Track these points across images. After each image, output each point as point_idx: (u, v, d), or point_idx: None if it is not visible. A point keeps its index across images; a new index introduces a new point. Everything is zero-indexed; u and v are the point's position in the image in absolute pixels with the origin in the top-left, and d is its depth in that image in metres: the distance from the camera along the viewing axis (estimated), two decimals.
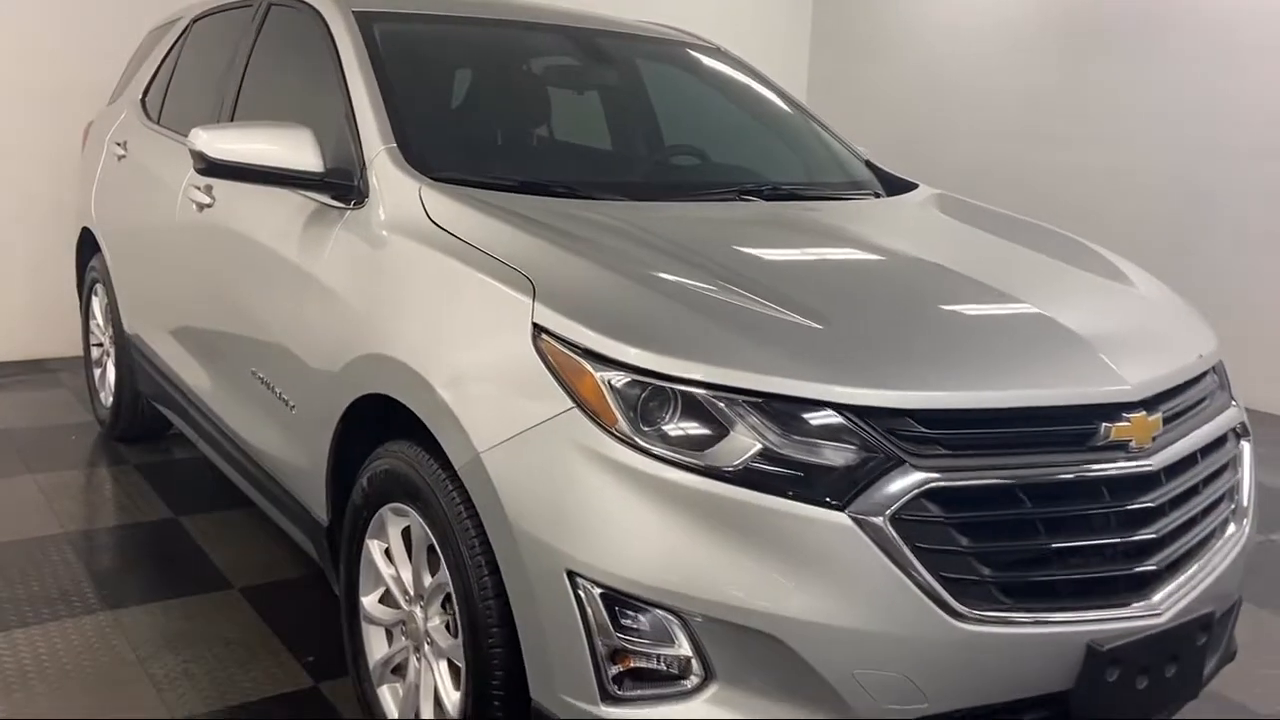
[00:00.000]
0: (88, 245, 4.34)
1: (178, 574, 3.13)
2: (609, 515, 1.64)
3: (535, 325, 1.79)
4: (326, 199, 2.48)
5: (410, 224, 2.20)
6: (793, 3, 8.02)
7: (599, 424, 1.67)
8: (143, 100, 4.05)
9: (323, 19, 2.82)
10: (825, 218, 2.53)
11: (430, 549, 1.98)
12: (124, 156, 3.86)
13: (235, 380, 2.88)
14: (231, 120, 3.16)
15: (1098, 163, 6.09)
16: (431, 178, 2.30)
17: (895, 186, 2.98)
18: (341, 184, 2.43)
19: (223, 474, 3.19)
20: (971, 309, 2.00)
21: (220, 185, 2.98)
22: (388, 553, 2.15)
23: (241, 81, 3.17)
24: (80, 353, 5.38)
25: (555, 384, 1.73)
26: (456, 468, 1.84)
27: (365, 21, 2.76)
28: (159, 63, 4.00)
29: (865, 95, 7.50)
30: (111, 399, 4.17)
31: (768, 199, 2.58)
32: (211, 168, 2.41)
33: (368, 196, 2.36)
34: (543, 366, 1.75)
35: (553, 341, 1.76)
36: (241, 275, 2.79)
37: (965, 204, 2.86)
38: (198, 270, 3.10)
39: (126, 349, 3.93)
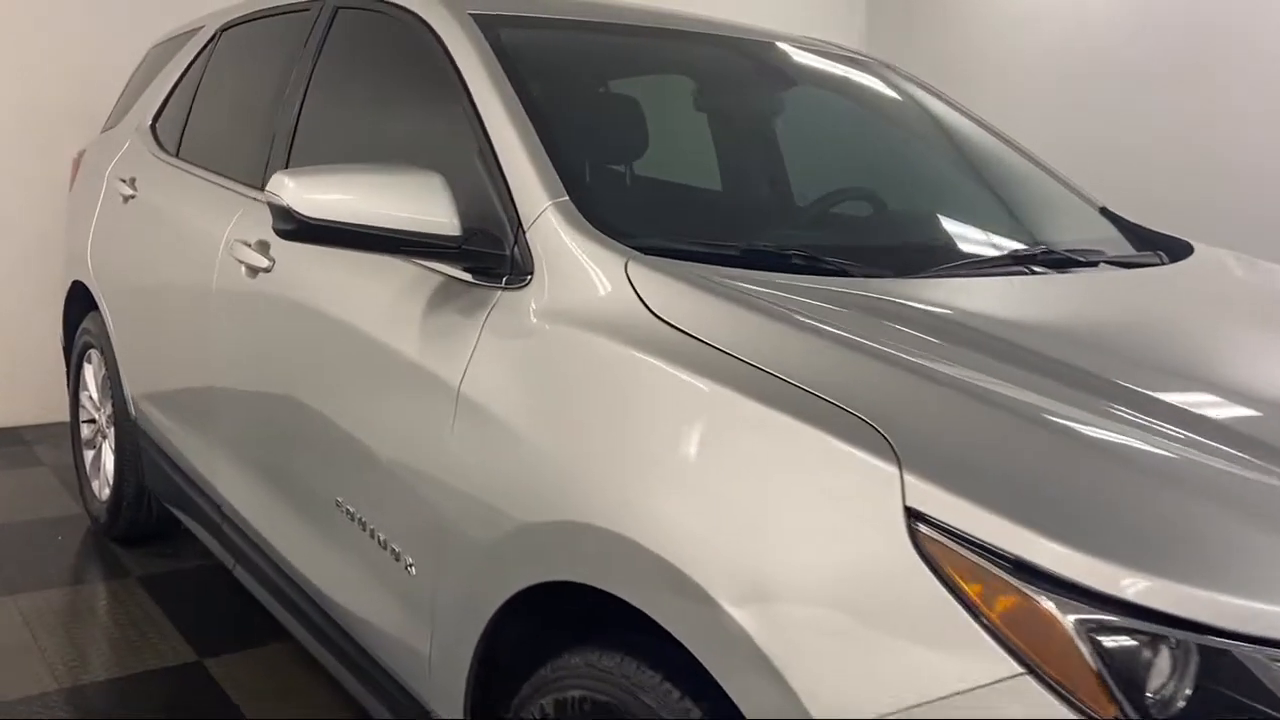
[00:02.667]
0: (80, 301, 3.57)
1: None
2: None
3: (912, 512, 1.08)
4: (460, 272, 1.76)
5: (616, 318, 1.48)
6: None
7: (1079, 708, 0.97)
8: (154, 127, 3.30)
9: (425, 24, 2.11)
10: (1154, 300, 1.84)
11: None
12: (132, 197, 3.10)
13: (305, 507, 2.14)
14: (289, 158, 2.43)
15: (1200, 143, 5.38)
16: (630, 246, 1.60)
17: (1153, 243, 2.31)
18: (486, 253, 1.71)
19: (242, 581, 2.44)
20: None
21: (283, 245, 2.25)
22: None
23: (301, 108, 2.44)
24: (62, 419, 4.62)
25: (970, 621, 1.02)
26: None
27: (489, 27, 2.05)
28: (175, 82, 3.26)
29: (931, 70, 6.77)
30: (109, 492, 3.39)
31: (1052, 269, 1.89)
32: (304, 230, 1.69)
33: (531, 272, 1.65)
34: (938, 586, 1.04)
35: (953, 545, 1.05)
36: (321, 369, 2.05)
37: None
38: (247, 352, 2.36)
39: (131, 433, 3.16)
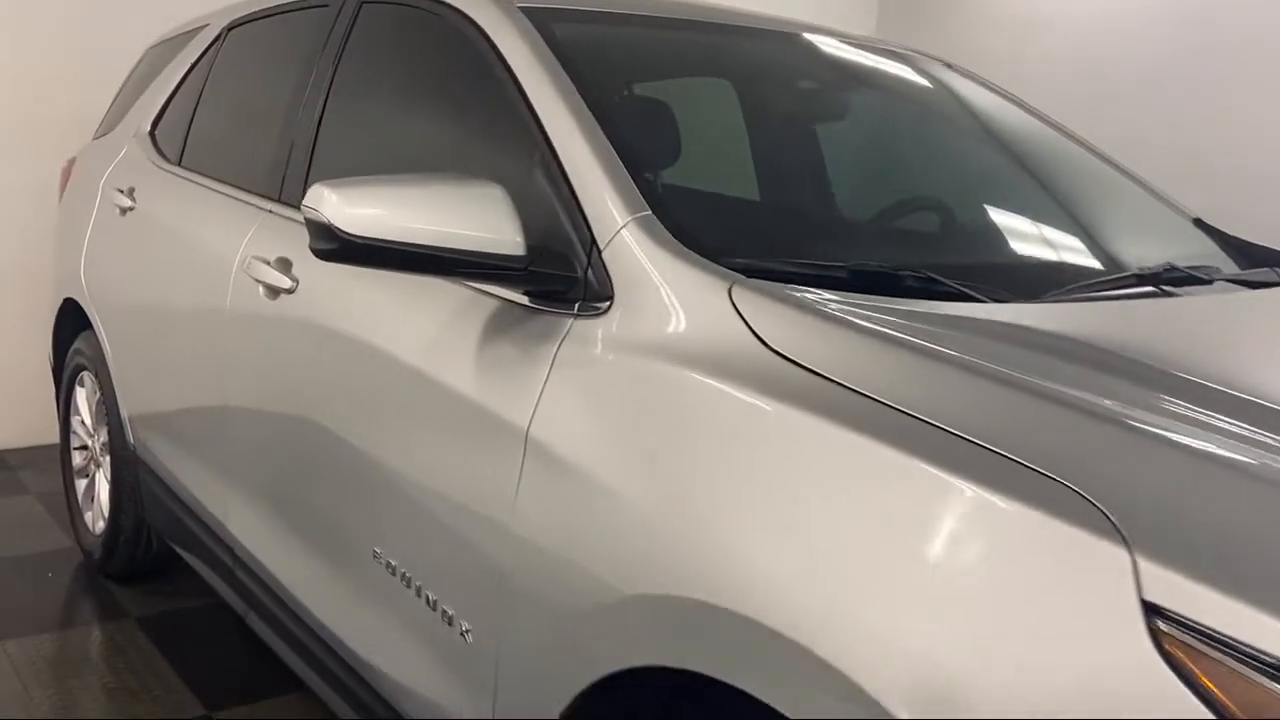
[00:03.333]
0: (72, 320, 3.34)
1: None
2: None
3: (1150, 608, 0.87)
4: (518, 296, 1.55)
5: (724, 353, 1.27)
6: None
7: None
8: (153, 134, 3.08)
9: (468, 19, 1.90)
10: None
11: None
12: (130, 209, 2.87)
13: (336, 555, 1.92)
14: (309, 167, 2.21)
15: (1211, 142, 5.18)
16: (726, 267, 1.39)
17: (1255, 256, 2.11)
18: (555, 275, 1.50)
19: (257, 631, 2.21)
20: None
21: (308, 263, 2.03)
22: None
23: (322, 112, 2.23)
24: (48, 442, 4.38)
25: None
26: None
27: (541, 23, 1.84)
28: (176, 84, 3.04)
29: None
30: (104, 526, 3.15)
31: (1174, 288, 1.69)
32: (347, 250, 1.47)
33: (610, 298, 1.43)
34: (1193, 701, 0.84)
35: (1206, 648, 0.85)
36: (355, 403, 1.83)
37: None
38: (266, 382, 2.13)
39: (129, 463, 2.93)
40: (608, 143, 1.57)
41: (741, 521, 1.15)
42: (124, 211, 2.91)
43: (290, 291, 2.03)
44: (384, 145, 2.11)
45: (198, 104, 2.86)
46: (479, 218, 1.48)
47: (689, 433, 1.24)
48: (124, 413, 2.92)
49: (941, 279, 1.46)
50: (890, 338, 1.21)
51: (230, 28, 2.88)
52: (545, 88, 1.68)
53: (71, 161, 3.59)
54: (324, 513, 1.95)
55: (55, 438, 4.43)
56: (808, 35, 2.19)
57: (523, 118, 1.69)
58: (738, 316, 1.29)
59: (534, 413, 1.44)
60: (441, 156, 1.91)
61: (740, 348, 1.26)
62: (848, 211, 1.78)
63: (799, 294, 1.32)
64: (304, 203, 1.51)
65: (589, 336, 1.43)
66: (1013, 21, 6.30)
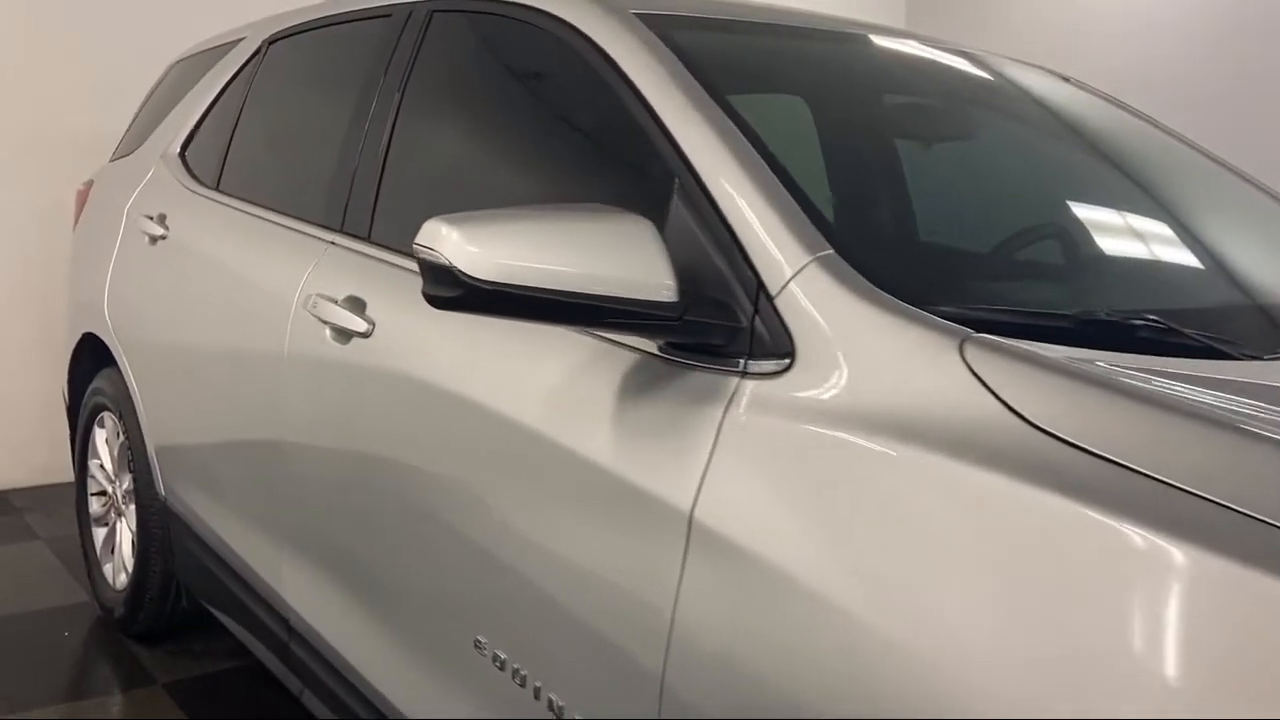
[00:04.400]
0: (90, 356, 3.09)
1: None
2: None
3: None
4: (669, 349, 1.32)
5: (959, 427, 1.03)
6: None
7: None
8: (184, 155, 2.84)
9: (570, 27, 1.67)
10: None
11: None
12: (162, 237, 2.63)
13: (423, 639, 1.67)
14: (377, 194, 1.98)
15: None
16: (941, 317, 1.16)
17: None
18: (715, 325, 1.27)
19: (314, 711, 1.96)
20: None
21: (385, 304, 1.80)
22: None
23: (391, 134, 1.99)
24: (55, 481, 4.13)
25: None
26: None
27: (663, 31, 1.61)
28: (210, 102, 2.80)
29: None
30: (127, 580, 2.89)
31: None
32: (474, 297, 1.24)
33: (790, 354, 1.20)
34: None
35: None
36: (450, 468, 1.59)
37: None
38: (335, 436, 1.89)
39: (159, 515, 2.68)
40: (767, 169, 1.35)
41: (1010, 649, 0.92)
42: (154, 240, 2.66)
43: (365, 335, 1.79)
44: (468, 172, 1.88)
45: (236, 123, 2.62)
46: (625, 258, 1.25)
47: (929, 529, 1.01)
48: (154, 459, 2.67)
49: (1179, 329, 1.23)
50: (1181, 409, 0.98)
51: (271, 41, 2.65)
52: (681, 106, 1.45)
53: (88, 184, 3.35)
54: (410, 590, 1.71)
55: (63, 477, 4.19)
56: (922, 45, 1.97)
57: (651, 140, 1.47)
58: (976, 381, 1.06)
59: (698, 493, 1.20)
60: (543, 186, 1.68)
61: (987, 421, 1.02)
62: (1042, 246, 1.55)
63: (1047, 353, 1.09)
64: (417, 241, 1.28)
65: (767, 401, 1.20)
66: (1049, 27, 6.11)
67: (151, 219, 2.71)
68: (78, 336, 3.08)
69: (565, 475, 1.38)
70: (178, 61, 3.32)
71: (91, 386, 3.04)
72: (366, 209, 1.99)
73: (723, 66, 1.56)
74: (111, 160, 3.39)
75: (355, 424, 1.83)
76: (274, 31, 2.65)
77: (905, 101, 1.85)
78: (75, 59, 4.06)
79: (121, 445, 2.90)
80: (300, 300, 1.99)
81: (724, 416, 1.22)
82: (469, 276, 1.23)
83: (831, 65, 1.80)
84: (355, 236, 1.99)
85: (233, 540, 2.29)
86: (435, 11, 2.04)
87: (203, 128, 2.81)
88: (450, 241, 1.24)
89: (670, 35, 1.60)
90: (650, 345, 1.35)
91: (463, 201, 1.86)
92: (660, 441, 1.27)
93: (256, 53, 2.68)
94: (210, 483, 2.40)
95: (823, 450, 1.13)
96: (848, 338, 1.17)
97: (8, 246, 4.05)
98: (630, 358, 1.37)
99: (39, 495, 4.09)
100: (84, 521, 3.18)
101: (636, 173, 1.51)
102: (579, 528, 1.35)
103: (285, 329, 2.01)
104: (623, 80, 1.55)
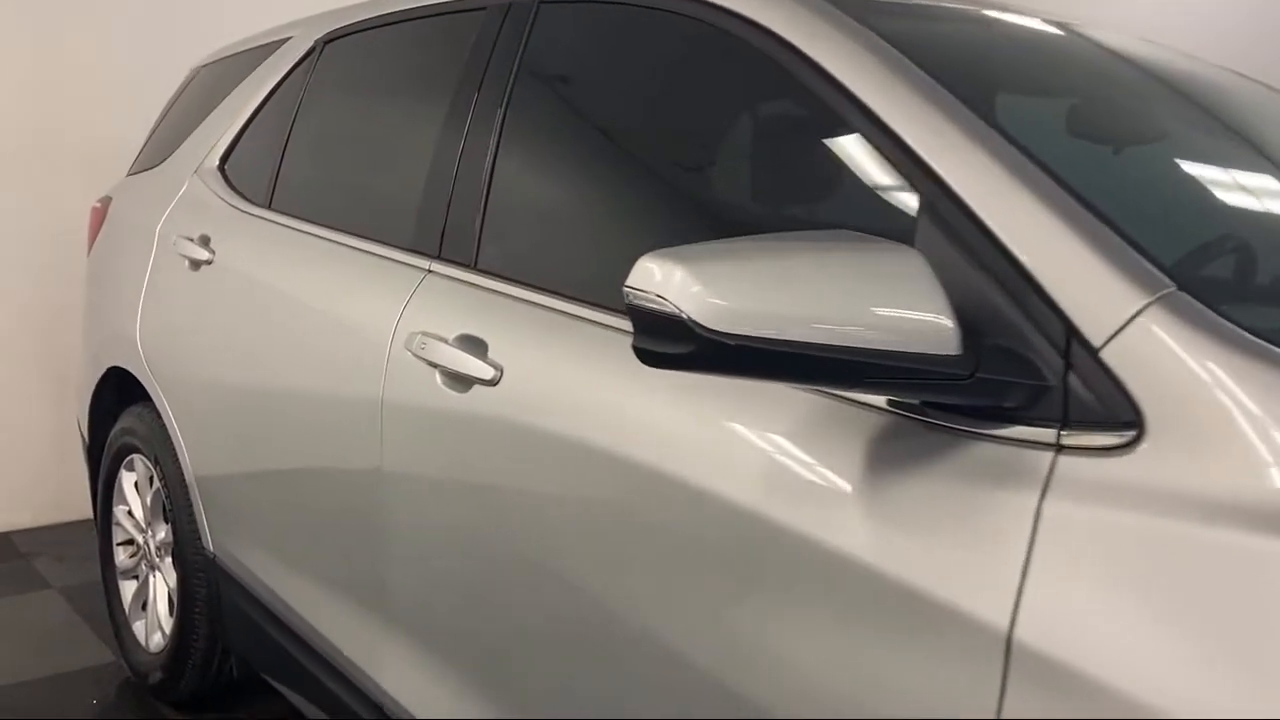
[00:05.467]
0: (115, 391, 2.80)
1: None
2: None
3: None
4: (934, 411, 1.06)
5: None
6: None
7: None
8: (223, 169, 2.55)
9: (739, 18, 1.40)
10: None
11: None
12: (207, 262, 2.34)
13: None
14: (483, 215, 1.70)
15: None
16: None
17: None
18: (1014, 383, 1.01)
19: None
20: None
21: (514, 346, 1.53)
22: None
23: (496, 145, 1.72)
24: (60, 520, 3.82)
25: None
26: None
27: (860, 18, 1.35)
28: (253, 110, 2.51)
29: None
30: (163, 643, 2.60)
31: None
32: (711, 354, 0.97)
33: (1136, 424, 0.94)
34: None
35: None
36: (619, 547, 1.32)
37: None
38: (453, 499, 1.61)
39: (205, 572, 2.39)
40: (1056, 184, 1.09)
41: None
42: (197, 265, 2.37)
43: (490, 383, 1.52)
44: (612, 192, 1.61)
45: (289, 134, 2.33)
46: (897, 300, 0.99)
47: None
48: (200, 510, 2.38)
49: None
50: None
51: (327, 41, 2.36)
52: (922, 111, 1.19)
53: (105, 201, 3.05)
54: (562, 686, 1.43)
55: (71, 515, 3.88)
56: (1133, 39, 1.72)
57: (878, 153, 1.20)
58: None
59: (1017, 606, 0.94)
60: (713, 209, 1.42)
61: None
62: None
63: None
64: (630, 285, 1.01)
65: (1105, 485, 0.93)
66: None
67: (192, 241, 2.41)
68: (101, 370, 2.78)
69: (804, 570, 1.11)
70: (203, 66, 3.03)
71: (119, 426, 2.74)
72: (469, 232, 1.72)
73: (947, 61, 1.30)
74: (130, 174, 3.10)
75: (479, 488, 1.55)
76: (329, 30, 2.37)
77: (1183, 103, 1.58)
78: (83, 65, 3.75)
79: (156, 492, 2.60)
80: (399, 339, 1.71)
81: (1041, 505, 0.96)
82: (707, 329, 0.96)
83: (1090, 59, 1.54)
84: (457, 264, 1.72)
85: (305, 609, 2.00)
86: (544, 3, 1.77)
87: (245, 138, 2.52)
88: (680, 286, 0.97)
89: (877, 24, 1.34)
90: (880, 400, 1.09)
91: (612, 228, 1.60)
92: (947, 534, 1.01)
93: (309, 54, 2.40)
94: (274, 541, 2.11)
95: (1199, 552, 0.87)
96: (1220, 401, 0.91)
97: (12, 267, 3.73)
98: (874, 420, 1.10)
99: (46, 537, 3.77)
100: (109, 573, 2.88)
101: (850, 192, 1.25)
102: (830, 637, 1.08)
103: (380, 371, 1.73)
104: (827, 81, 1.28)
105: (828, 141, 1.29)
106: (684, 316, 0.96)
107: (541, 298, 1.54)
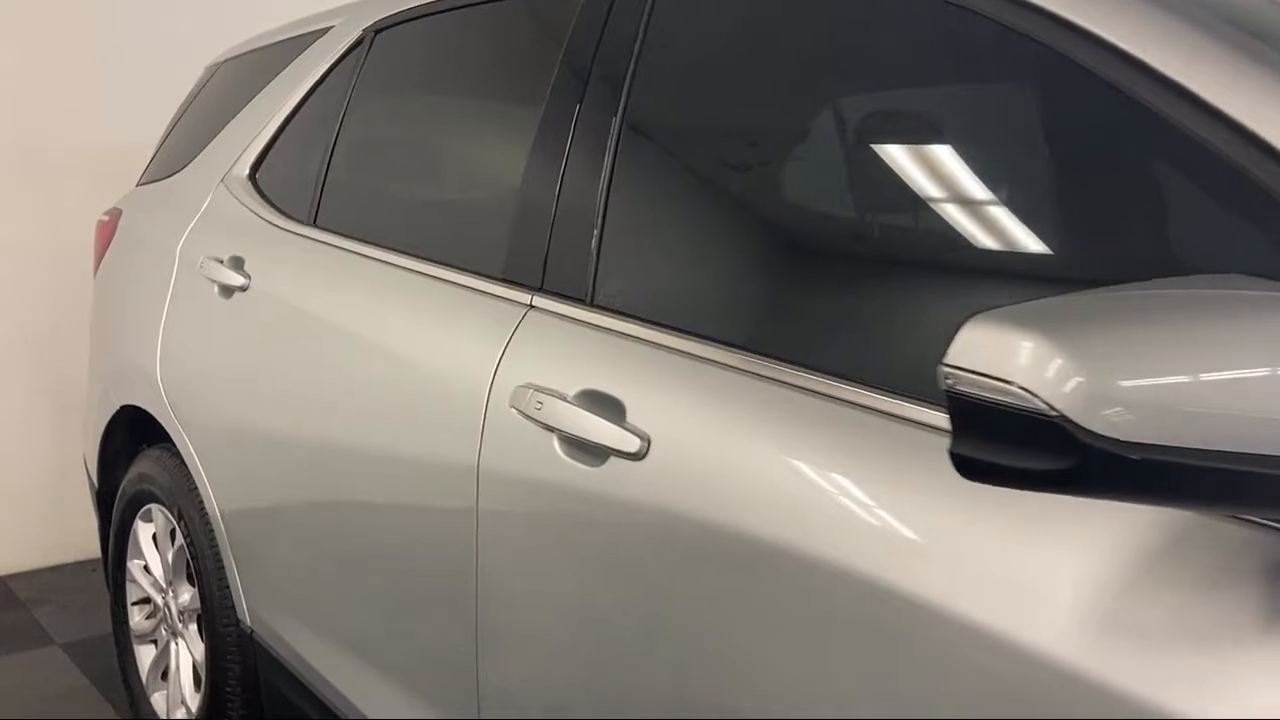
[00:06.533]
0: (128, 432, 2.47)
1: None
2: None
3: None
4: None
5: None
6: None
7: None
8: (254, 179, 2.22)
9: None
10: None
11: None
12: (242, 288, 2.01)
13: None
14: (599, 244, 1.38)
15: None
16: None
17: None
18: None
19: None
20: None
21: (663, 410, 1.20)
22: None
23: (614, 159, 1.39)
24: (59, 561, 3.50)
25: None
26: None
27: None
28: (290, 111, 2.18)
29: None
30: None
31: None
32: (1109, 470, 0.65)
33: None
34: None
35: None
36: (837, 675, 1.00)
37: None
38: (586, 595, 1.28)
39: (240, 647, 2.06)
40: None
41: None
42: (229, 291, 2.04)
43: (634, 456, 1.19)
44: (796, 211, 1.29)
45: (335, 138, 2.00)
46: None
47: None
48: (234, 575, 2.05)
49: None
50: None
51: (378, 31, 2.03)
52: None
53: (113, 214, 2.71)
54: None
55: (71, 556, 3.56)
56: None
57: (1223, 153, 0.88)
58: None
59: None
60: (969, 232, 1.09)
61: None
62: None
63: None
64: (955, 363, 0.69)
65: None
66: None
67: (221, 263, 2.08)
68: (113, 409, 2.44)
69: None
70: (223, 62, 2.69)
71: (135, 471, 2.41)
72: (581, 259, 1.39)
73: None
74: (141, 183, 2.76)
75: (621, 583, 1.22)
76: (380, 19, 2.04)
77: None
78: (79, 66, 3.41)
79: (179, 549, 2.27)
80: (500, 392, 1.38)
81: None
82: (1100, 437, 0.64)
83: None
84: (566, 298, 1.40)
85: (370, 705, 1.68)
86: None
87: (280, 144, 2.19)
88: (1055, 371, 0.65)
89: None
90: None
91: (794, 258, 1.27)
92: None
93: (356, 47, 2.07)
94: (329, 621, 1.78)
95: None
96: None
97: (5, 284, 3.38)
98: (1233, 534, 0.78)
99: (47, 582, 3.43)
100: (122, 635, 2.55)
101: (1193, 213, 0.93)
102: None
103: (475, 431, 1.40)
104: (1117, 55, 0.96)
105: (1135, 144, 0.97)
106: (1061, 416, 0.64)
107: (687, 344, 1.22)
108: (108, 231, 2.71)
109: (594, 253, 1.39)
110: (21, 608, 3.26)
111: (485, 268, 1.54)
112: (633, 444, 1.19)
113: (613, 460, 1.22)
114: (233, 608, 2.07)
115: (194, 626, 2.27)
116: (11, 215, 3.35)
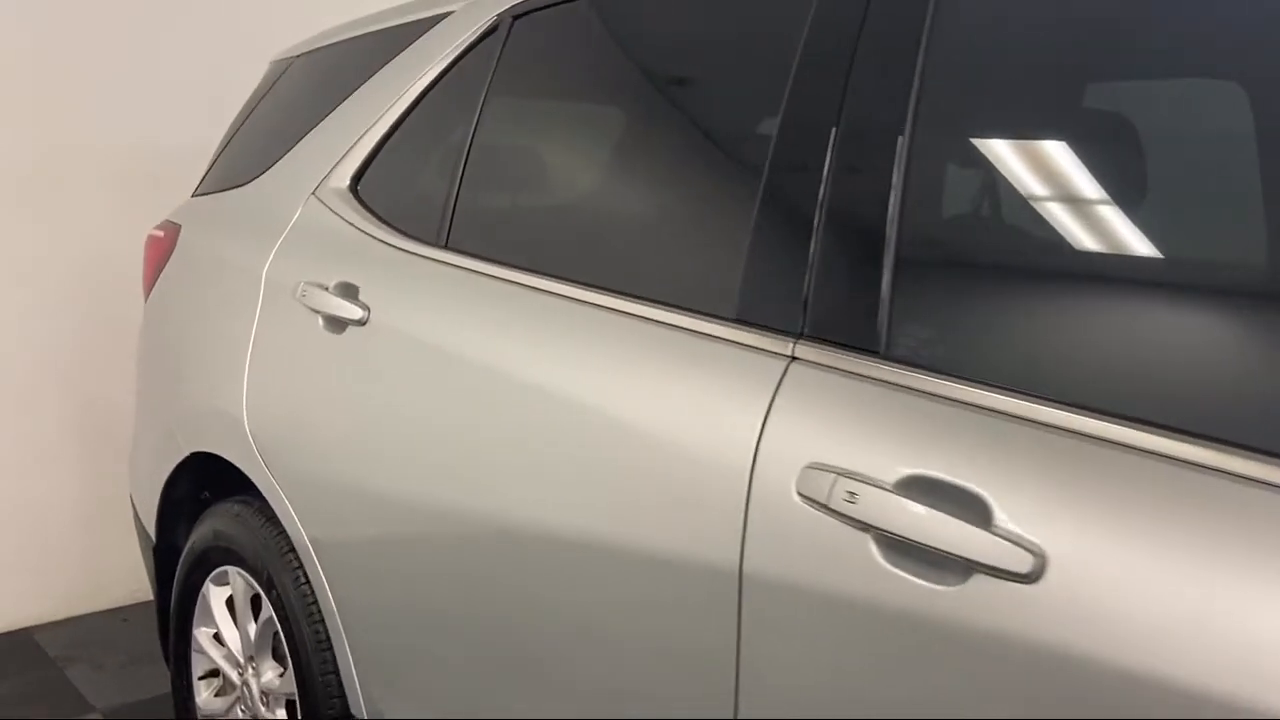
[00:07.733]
0: (191, 480, 2.15)
1: None
2: None
3: None
4: None
5: None
6: None
7: None
8: (355, 189, 1.90)
9: None
10: None
11: None
12: (359, 322, 1.69)
13: None
14: (895, 268, 1.07)
15: None
16: None
17: None
18: None
19: None
20: None
21: (1044, 510, 0.90)
22: None
23: (905, 172, 1.09)
24: (88, 610, 3.19)
25: None
26: None
27: None
28: (402, 112, 1.87)
29: None
30: None
31: None
32: None
33: None
34: None
35: None
36: None
37: None
38: None
39: None
40: None
41: None
42: (340, 325, 1.72)
43: (1024, 578, 0.89)
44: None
45: (470, 144, 1.69)
46: None
47: None
48: (349, 659, 1.73)
49: None
50: None
51: (517, 16, 1.72)
52: None
53: (169, 228, 2.38)
54: None
55: (101, 604, 3.22)
56: None
57: None
58: None
59: None
60: None
61: None
62: None
63: None
64: None
65: None
66: None
67: (327, 290, 1.77)
68: (182, 455, 2.11)
69: None
70: (297, 56, 2.37)
71: (209, 528, 2.08)
72: (865, 298, 1.09)
73: None
74: (198, 193, 2.44)
75: None
76: (520, 1, 1.73)
77: None
78: (109, 64, 3.08)
79: (266, 621, 1.95)
80: (773, 473, 1.07)
81: None
82: None
83: None
84: (844, 347, 1.10)
85: None
86: None
87: (389, 150, 1.87)
88: None
89: None
90: None
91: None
92: None
93: (489, 35, 1.76)
94: None
95: None
96: None
97: (29, 307, 3.04)
98: None
99: (76, 634, 3.09)
100: (185, 715, 2.22)
101: None
102: None
103: (736, 523, 1.09)
104: None
105: None
106: None
107: (1061, 417, 0.92)
108: (162, 248, 2.38)
109: (886, 291, 1.08)
110: (51, 665, 2.92)
111: (708, 305, 1.24)
112: (1022, 561, 0.89)
113: (979, 579, 0.91)
114: (340, 695, 1.76)
115: (282, 712, 1.95)
116: (34, 228, 3.00)
